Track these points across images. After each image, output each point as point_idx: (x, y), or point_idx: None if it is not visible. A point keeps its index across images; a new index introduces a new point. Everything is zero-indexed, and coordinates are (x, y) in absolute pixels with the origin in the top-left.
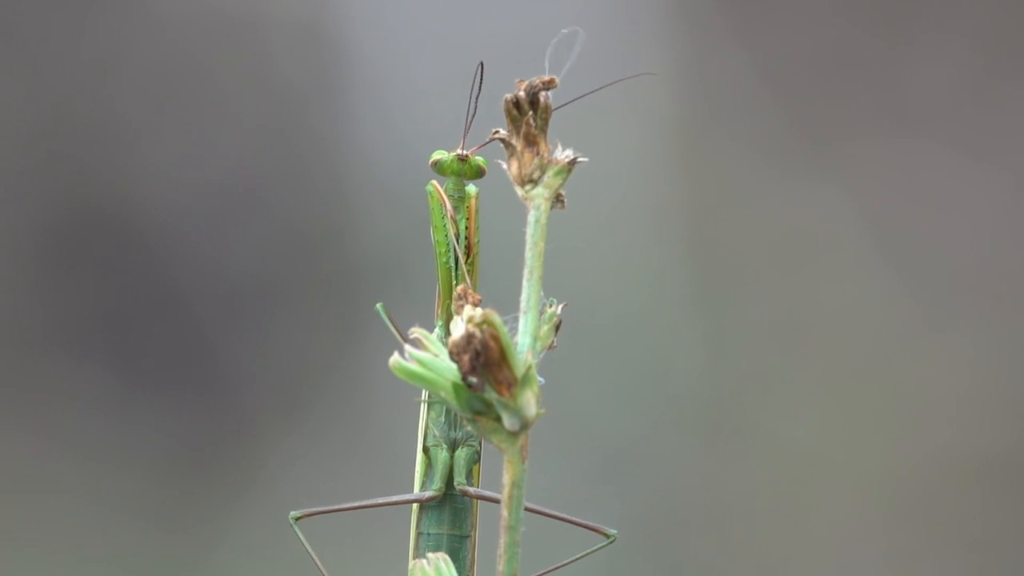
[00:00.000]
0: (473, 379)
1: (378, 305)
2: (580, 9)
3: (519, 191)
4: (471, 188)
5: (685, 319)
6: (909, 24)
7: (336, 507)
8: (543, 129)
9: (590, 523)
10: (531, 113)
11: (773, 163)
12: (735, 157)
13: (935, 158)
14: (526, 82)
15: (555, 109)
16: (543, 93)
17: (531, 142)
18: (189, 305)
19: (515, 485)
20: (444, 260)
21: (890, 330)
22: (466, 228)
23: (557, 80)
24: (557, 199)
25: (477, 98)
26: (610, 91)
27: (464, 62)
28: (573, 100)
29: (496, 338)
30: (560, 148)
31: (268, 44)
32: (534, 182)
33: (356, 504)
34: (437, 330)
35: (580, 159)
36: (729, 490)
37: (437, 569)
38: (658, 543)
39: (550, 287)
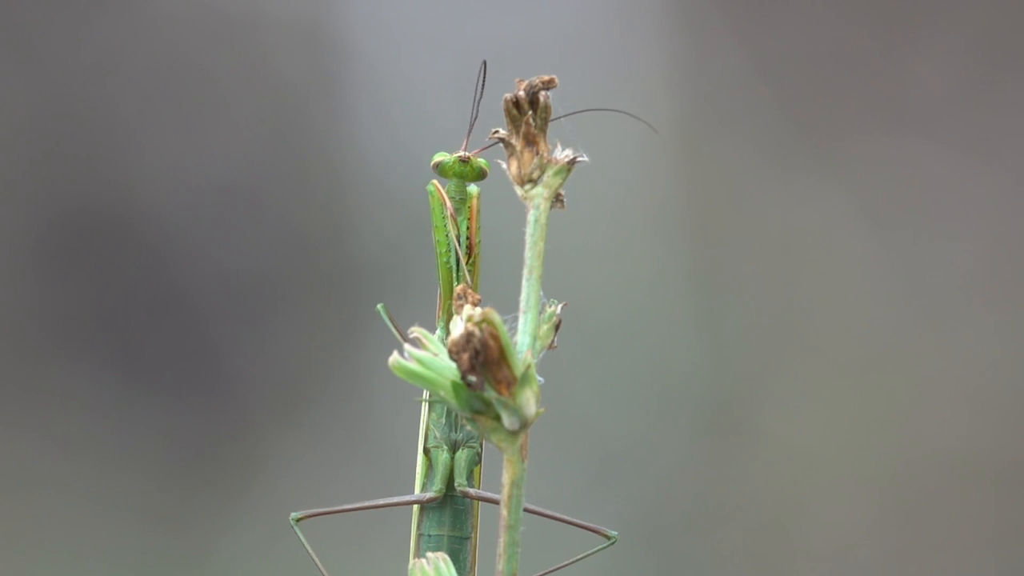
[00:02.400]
0: (472, 378)
1: (379, 306)
2: (580, 9)
3: (519, 191)
4: (472, 189)
5: (684, 319)
6: (908, 24)
7: (336, 508)
8: (543, 129)
9: (591, 524)
10: (531, 113)
11: (772, 162)
12: (735, 156)
13: (934, 157)
14: (526, 82)
15: (554, 119)
16: (543, 93)
17: (531, 142)
18: (189, 305)
19: (515, 484)
20: (445, 260)
21: (888, 329)
22: (467, 229)
23: (556, 80)
24: (557, 199)
25: (480, 99)
26: (609, 91)
27: (463, 62)
28: (561, 117)
29: (495, 337)
30: (560, 148)
31: (268, 44)
32: (534, 182)
33: (356, 505)
34: (438, 331)
35: (580, 159)
36: (728, 490)
37: (436, 569)
38: (657, 543)
39: (551, 287)
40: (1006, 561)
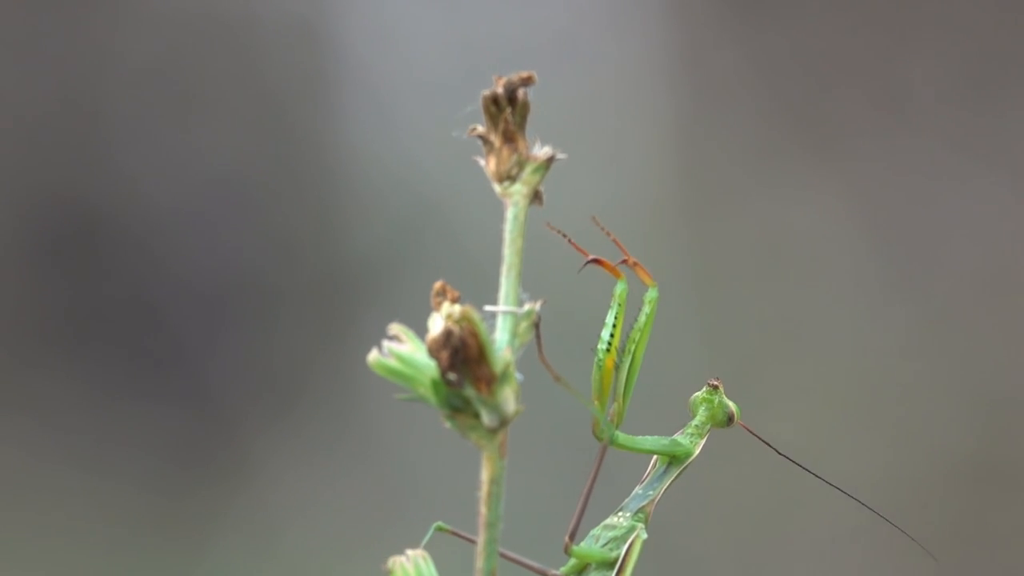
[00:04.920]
0: (452, 376)
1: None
2: (576, 8)
3: (497, 188)
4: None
5: (680, 318)
6: (905, 24)
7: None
8: (521, 125)
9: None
10: (509, 109)
11: (769, 161)
12: (731, 155)
13: (931, 157)
14: (504, 79)
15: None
16: (521, 89)
17: (509, 138)
18: (180, 306)
19: (494, 482)
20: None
21: (885, 329)
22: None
23: (535, 76)
24: (535, 196)
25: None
26: (606, 90)
27: (458, 61)
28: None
29: (475, 335)
30: (538, 145)
31: (260, 44)
32: (512, 179)
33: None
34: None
35: (559, 156)
36: (724, 490)
37: (416, 567)
38: (652, 542)
39: (546, 285)
40: (998, 560)
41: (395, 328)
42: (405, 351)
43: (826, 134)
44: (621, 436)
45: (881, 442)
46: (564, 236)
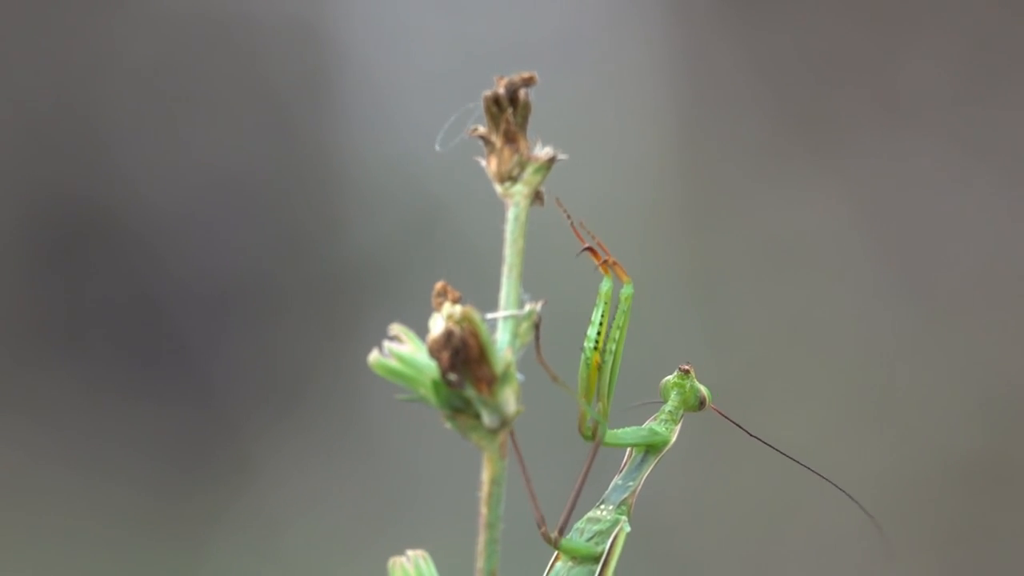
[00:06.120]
0: (453, 376)
1: None
2: (575, 8)
3: (498, 188)
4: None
5: (681, 318)
6: (905, 23)
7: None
8: (522, 126)
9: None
10: (511, 110)
11: (770, 161)
12: (731, 155)
13: (932, 157)
14: (506, 79)
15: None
16: (523, 90)
17: (511, 139)
18: (182, 307)
19: (494, 483)
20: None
21: (885, 330)
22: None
23: (536, 76)
24: (536, 196)
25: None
26: (605, 90)
27: (458, 61)
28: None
29: (475, 335)
30: (539, 145)
31: (261, 44)
32: (513, 179)
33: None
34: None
35: (560, 156)
36: (725, 489)
37: (417, 567)
38: (654, 542)
39: (546, 286)
40: (998, 560)
41: (396, 328)
42: (406, 352)
43: (827, 134)
44: (608, 433)
45: (882, 441)
46: (568, 217)
